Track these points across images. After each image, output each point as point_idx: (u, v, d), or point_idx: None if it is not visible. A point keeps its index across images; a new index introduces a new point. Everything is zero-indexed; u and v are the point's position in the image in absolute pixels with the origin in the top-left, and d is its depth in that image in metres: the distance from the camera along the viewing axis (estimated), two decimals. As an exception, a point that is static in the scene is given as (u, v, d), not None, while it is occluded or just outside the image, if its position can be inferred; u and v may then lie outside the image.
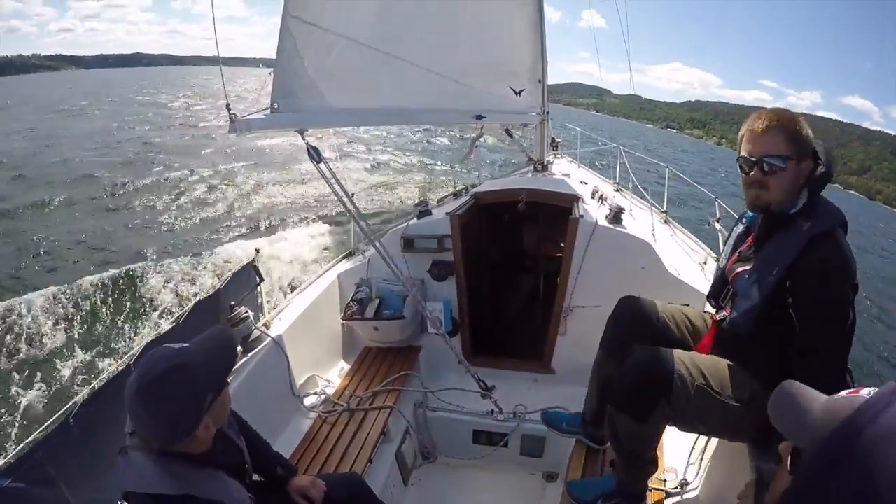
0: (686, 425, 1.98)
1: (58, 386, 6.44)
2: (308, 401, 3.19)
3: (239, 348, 2.88)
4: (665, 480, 2.48)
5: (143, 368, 1.34)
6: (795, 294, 1.67)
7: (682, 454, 2.55)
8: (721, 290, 2.01)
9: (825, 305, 1.62)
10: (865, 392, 0.74)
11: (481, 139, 4.90)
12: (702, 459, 2.44)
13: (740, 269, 1.88)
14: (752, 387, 1.81)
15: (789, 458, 0.82)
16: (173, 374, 1.33)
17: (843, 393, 0.78)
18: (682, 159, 48.65)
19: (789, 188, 1.71)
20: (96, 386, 1.96)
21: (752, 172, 1.74)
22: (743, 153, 1.77)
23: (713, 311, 2.08)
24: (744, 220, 2.02)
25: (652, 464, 2.21)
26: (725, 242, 2.17)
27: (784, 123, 1.69)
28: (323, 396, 3.23)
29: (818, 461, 0.70)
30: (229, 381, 2.11)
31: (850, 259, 1.64)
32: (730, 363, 1.89)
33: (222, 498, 1.43)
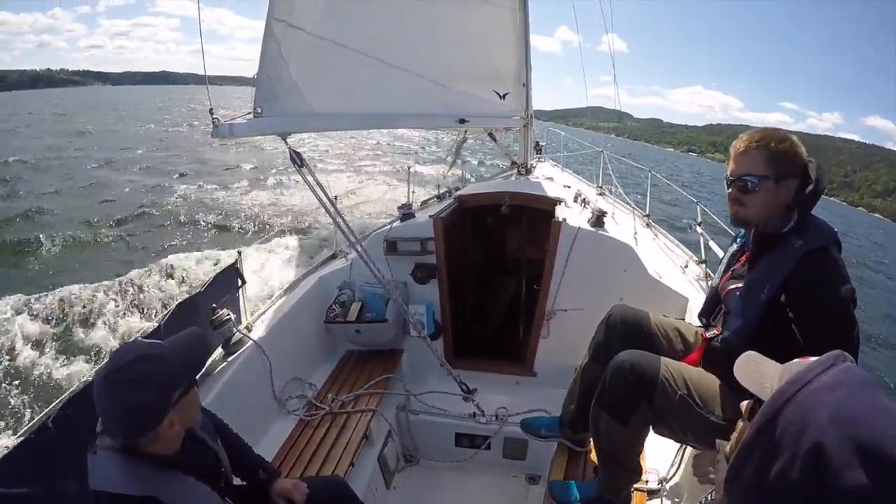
0: (666, 430, 2.00)
1: (35, 390, 6.36)
2: (290, 404, 3.17)
3: (220, 350, 2.86)
4: (647, 481, 2.51)
5: (110, 359, 1.35)
6: (796, 311, 1.67)
7: (663, 454, 2.58)
8: (713, 307, 2.03)
9: (829, 322, 1.62)
10: (814, 360, 0.84)
11: (466, 143, 4.93)
12: (682, 459, 2.47)
13: (732, 287, 1.89)
14: (735, 406, 1.82)
15: (750, 411, 0.93)
16: (139, 363, 1.32)
17: (796, 360, 0.88)
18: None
19: (765, 206, 1.75)
20: (75, 389, 1.94)
21: (731, 190, 1.80)
22: (727, 171, 1.83)
23: (703, 328, 2.09)
24: (738, 238, 2.04)
25: (634, 472, 2.23)
26: (720, 261, 2.18)
27: (765, 144, 1.73)
28: (305, 399, 3.22)
29: (764, 414, 0.80)
30: (214, 384, 2.10)
31: (845, 273, 1.66)
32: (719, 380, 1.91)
33: (187, 502, 1.42)
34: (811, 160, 1.76)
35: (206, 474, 1.56)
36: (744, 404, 0.97)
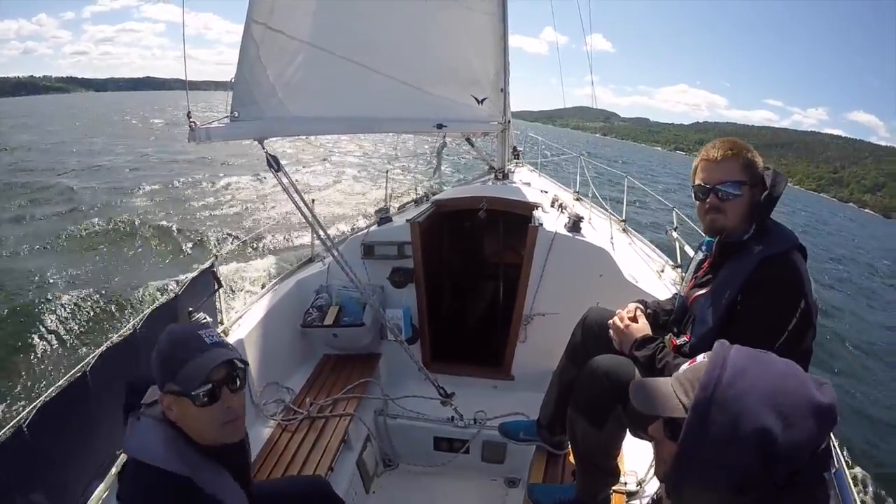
0: (643, 433, 2.01)
1: (11, 396, 6.24)
2: (267, 409, 3.14)
3: None
4: (626, 483, 2.53)
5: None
6: (741, 308, 1.71)
7: (641, 456, 2.60)
8: (683, 315, 2.04)
9: (762, 317, 1.64)
10: (701, 357, 0.96)
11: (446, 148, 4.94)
12: None
13: (697, 294, 1.91)
14: None
15: (662, 431, 0.99)
16: (164, 335, 1.44)
17: (685, 366, 0.99)
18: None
19: (745, 213, 1.78)
20: (51, 393, 1.92)
21: (709, 199, 1.80)
22: (698, 181, 1.84)
23: (674, 335, 2.08)
24: (703, 247, 2.05)
25: (611, 475, 2.26)
26: (687, 268, 2.21)
27: (738, 152, 1.77)
28: (282, 404, 3.19)
29: (691, 425, 0.87)
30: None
31: (804, 279, 1.66)
32: None
33: (223, 496, 1.40)
34: (768, 167, 1.81)
35: (236, 474, 1.54)
36: (653, 427, 1.02)
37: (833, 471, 1.71)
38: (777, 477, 0.82)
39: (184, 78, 2.17)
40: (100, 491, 1.94)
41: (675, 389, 0.95)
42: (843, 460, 1.78)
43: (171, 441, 1.38)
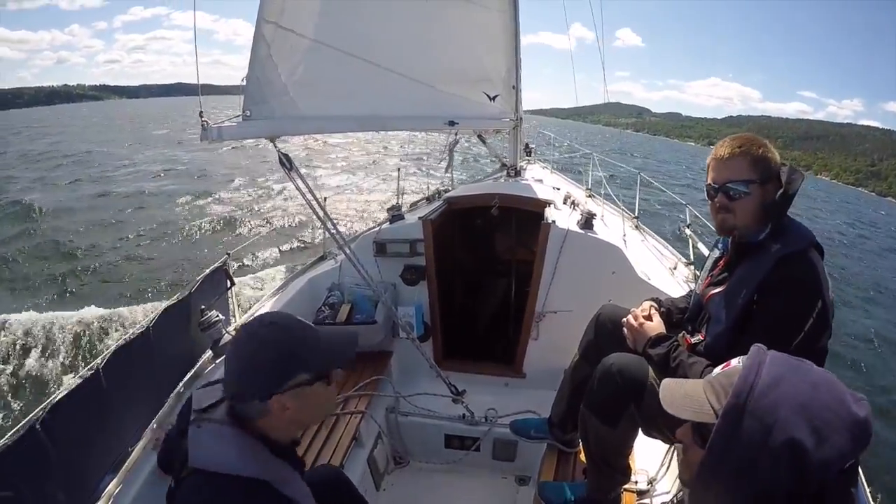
0: (655, 432, 2.01)
1: (23, 393, 6.31)
2: None
3: (209, 352, 2.84)
4: (636, 482, 2.52)
5: (254, 318, 1.32)
6: (759, 306, 1.68)
7: (652, 455, 2.59)
8: (697, 313, 2.03)
9: (780, 316, 1.61)
10: (735, 361, 0.93)
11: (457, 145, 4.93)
12: (671, 459, 2.48)
13: (712, 292, 1.89)
14: None
15: (690, 436, 0.97)
16: (271, 327, 1.29)
17: (718, 369, 0.96)
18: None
19: (755, 212, 1.74)
20: (64, 391, 1.93)
21: (718, 198, 1.78)
22: (708, 180, 1.82)
23: (688, 333, 2.06)
24: (720, 244, 2.04)
25: (623, 474, 2.25)
26: (701, 266, 2.19)
27: (747, 149, 1.73)
28: None
29: (722, 433, 0.85)
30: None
31: (821, 278, 1.63)
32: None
33: (297, 498, 1.28)
34: (784, 163, 1.77)
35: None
36: (680, 431, 1.00)
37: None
38: (807, 489, 0.80)
39: (215, 83, 2.22)
40: (112, 486, 1.96)
41: (706, 393, 0.93)
42: (863, 481, 1.74)
43: (245, 445, 1.27)
